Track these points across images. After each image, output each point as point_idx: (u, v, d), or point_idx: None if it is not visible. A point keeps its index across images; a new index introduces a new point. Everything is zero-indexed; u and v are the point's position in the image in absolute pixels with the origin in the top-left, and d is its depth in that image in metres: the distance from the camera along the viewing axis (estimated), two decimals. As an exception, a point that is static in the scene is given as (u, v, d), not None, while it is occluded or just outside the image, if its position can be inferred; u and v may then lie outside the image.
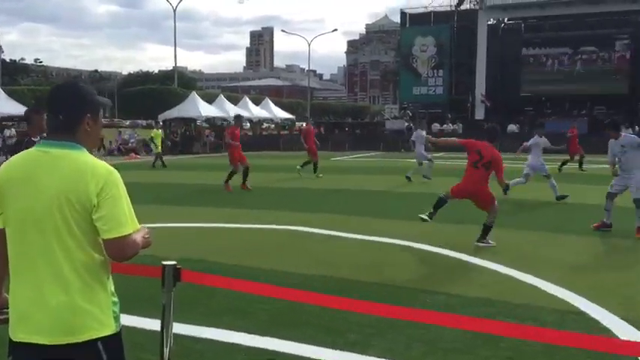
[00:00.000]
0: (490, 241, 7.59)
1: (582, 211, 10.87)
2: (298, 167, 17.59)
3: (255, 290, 3.41)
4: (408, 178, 16.07)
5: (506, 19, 42.35)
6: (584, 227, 9.17)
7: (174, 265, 2.74)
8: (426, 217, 7.96)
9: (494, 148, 7.71)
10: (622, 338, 4.41)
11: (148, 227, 2.30)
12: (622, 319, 4.84)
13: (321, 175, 17.26)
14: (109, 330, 2.15)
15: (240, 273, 6.24)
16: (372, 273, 6.33)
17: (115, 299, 2.23)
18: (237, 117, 16.02)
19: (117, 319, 2.21)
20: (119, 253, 2.12)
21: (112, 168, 2.14)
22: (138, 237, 2.17)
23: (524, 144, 13.72)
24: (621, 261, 7.08)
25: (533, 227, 9.23)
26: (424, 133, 16.64)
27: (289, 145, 33.70)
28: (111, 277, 2.24)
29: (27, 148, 2.36)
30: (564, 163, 19.43)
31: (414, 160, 17.09)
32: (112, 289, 2.24)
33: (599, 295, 5.53)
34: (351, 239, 8.16)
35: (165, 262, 2.74)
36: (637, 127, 32.05)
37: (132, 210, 2.16)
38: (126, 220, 2.11)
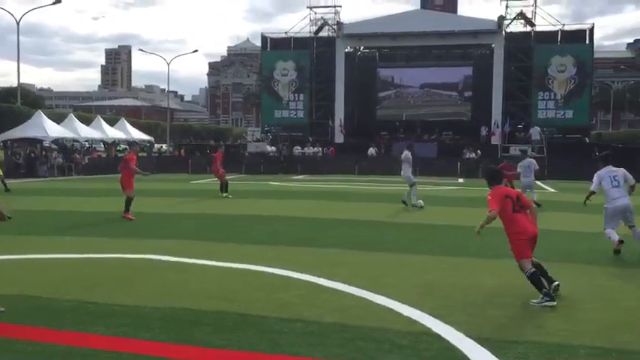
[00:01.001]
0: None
1: (431, 231, 11.36)
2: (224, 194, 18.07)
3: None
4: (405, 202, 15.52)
5: (362, 48, 44.25)
6: (434, 247, 9.56)
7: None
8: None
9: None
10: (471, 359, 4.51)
11: None
12: (470, 337, 4.97)
13: (230, 195, 17.92)
14: None
15: (72, 309, 5.67)
16: (226, 302, 6.01)
17: None
18: (134, 143, 15.55)
19: None
20: None
21: None
22: None
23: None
24: (468, 279, 7.35)
25: (384, 248, 9.41)
26: (410, 155, 15.96)
27: (147, 168, 32.26)
28: None
29: None
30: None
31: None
32: None
33: (450, 314, 5.66)
34: (210, 266, 7.79)
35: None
36: (479, 152, 34.77)
37: None
38: None
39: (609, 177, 9.45)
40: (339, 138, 39.63)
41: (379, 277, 7.24)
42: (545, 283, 6.28)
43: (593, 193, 9.53)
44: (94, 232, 10.94)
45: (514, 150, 34.41)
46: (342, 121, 39.74)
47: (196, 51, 60.08)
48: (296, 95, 41.60)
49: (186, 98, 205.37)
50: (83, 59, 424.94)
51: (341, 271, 7.58)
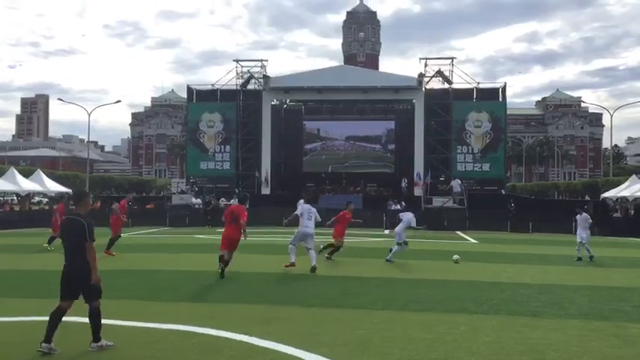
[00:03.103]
0: None
1: (361, 284, 11.38)
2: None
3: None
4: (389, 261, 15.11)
5: (288, 100, 44.96)
6: (364, 301, 9.56)
7: None
8: None
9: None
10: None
11: None
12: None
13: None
14: None
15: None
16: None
17: None
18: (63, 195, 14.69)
19: None
20: None
21: None
22: None
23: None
24: (402, 333, 7.36)
25: (315, 303, 9.32)
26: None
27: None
28: None
29: None
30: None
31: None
32: None
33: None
34: (138, 328, 7.41)
35: None
36: (403, 203, 35.59)
37: None
38: None
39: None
40: (266, 190, 39.59)
41: (313, 334, 7.13)
42: None
43: None
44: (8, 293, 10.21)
45: (436, 201, 35.68)
46: (269, 172, 39.84)
47: (119, 101, 58.89)
48: (222, 147, 41.43)
49: (107, 149, 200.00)
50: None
51: (274, 328, 7.42)
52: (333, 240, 16.10)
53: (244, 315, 8.31)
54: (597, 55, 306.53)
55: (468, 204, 34.06)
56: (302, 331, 7.30)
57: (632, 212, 32.69)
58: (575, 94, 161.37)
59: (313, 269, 12.81)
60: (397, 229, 15.85)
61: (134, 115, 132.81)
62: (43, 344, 6.10)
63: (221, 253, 12.13)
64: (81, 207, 6.58)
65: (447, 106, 39.70)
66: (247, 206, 13.26)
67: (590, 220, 17.68)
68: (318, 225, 13.92)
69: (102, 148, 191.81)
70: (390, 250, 15.62)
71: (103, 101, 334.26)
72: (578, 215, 17.54)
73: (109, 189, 65.52)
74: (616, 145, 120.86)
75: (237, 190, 38.28)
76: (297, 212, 13.93)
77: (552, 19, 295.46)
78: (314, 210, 13.92)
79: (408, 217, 15.86)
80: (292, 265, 12.92)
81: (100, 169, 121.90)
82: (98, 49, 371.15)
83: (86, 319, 6.40)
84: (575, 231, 17.93)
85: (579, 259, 16.61)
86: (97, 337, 6.34)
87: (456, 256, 15.07)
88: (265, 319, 8.03)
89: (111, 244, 16.49)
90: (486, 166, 39.54)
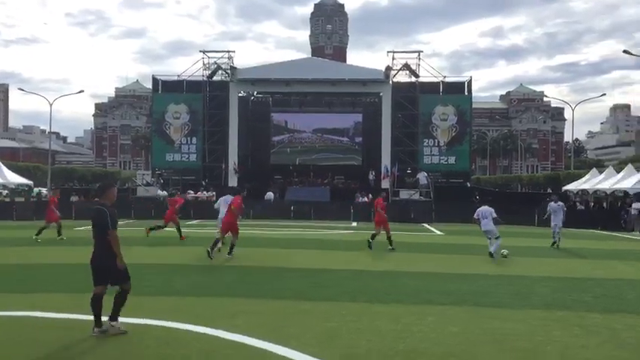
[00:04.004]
0: None
1: (329, 276, 11.39)
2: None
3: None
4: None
5: (255, 92, 44.66)
6: (333, 293, 9.57)
7: None
8: None
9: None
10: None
11: None
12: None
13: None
14: None
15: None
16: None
17: None
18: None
19: None
20: None
21: None
22: None
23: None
24: (370, 325, 7.39)
25: (282, 296, 9.29)
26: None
27: (25, 214, 30.15)
28: None
29: None
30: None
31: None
32: None
33: (352, 363, 5.65)
34: (84, 321, 7.25)
35: None
36: (370, 196, 35.77)
37: None
38: None
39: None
40: (233, 181, 39.33)
41: (280, 327, 7.10)
42: None
43: None
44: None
45: (403, 194, 35.95)
46: (236, 163, 39.56)
47: (82, 91, 57.74)
48: (188, 138, 40.96)
49: (69, 140, 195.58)
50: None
51: (241, 321, 7.37)
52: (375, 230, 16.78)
53: (210, 308, 8.23)
54: (560, 50, 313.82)
55: (434, 196, 34.44)
56: (270, 324, 7.26)
57: (592, 204, 33.51)
58: (538, 88, 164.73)
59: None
60: (488, 226, 15.31)
61: (97, 106, 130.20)
62: (95, 329, 6.60)
63: (218, 237, 14.22)
64: (105, 198, 6.97)
65: (414, 100, 40.00)
66: (243, 196, 16.15)
67: (565, 208, 19.09)
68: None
69: (64, 139, 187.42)
70: (491, 250, 15.09)
71: (65, 91, 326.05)
72: (552, 203, 18.56)
73: (72, 181, 64.17)
74: (577, 139, 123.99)
75: (203, 183, 37.96)
76: (216, 206, 17.05)
77: (517, 15, 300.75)
78: (230, 199, 15.63)
79: (489, 210, 15.52)
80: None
81: (63, 161, 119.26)
82: (60, 38, 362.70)
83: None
84: (549, 222, 18.77)
85: (554, 244, 18.04)
86: (115, 317, 6.76)
87: (505, 251, 14.93)
88: (232, 312, 7.96)
89: (180, 232, 18.48)
90: (452, 159, 40.02)
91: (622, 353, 6.19)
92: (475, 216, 15.67)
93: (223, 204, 15.83)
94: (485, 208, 15.60)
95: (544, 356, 6.03)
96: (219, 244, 14.23)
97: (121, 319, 7.07)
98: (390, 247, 16.32)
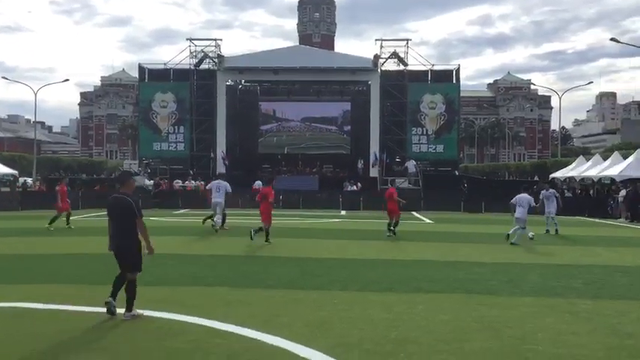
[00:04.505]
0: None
1: (319, 265, 11.37)
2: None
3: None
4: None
5: (243, 81, 44.37)
6: (324, 282, 9.55)
7: None
8: None
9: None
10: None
11: None
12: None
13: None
14: None
15: None
16: (109, 355, 5.55)
17: None
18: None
19: None
20: None
21: None
22: None
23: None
24: (362, 314, 7.38)
25: (273, 285, 9.26)
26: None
27: (10, 204, 29.79)
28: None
29: None
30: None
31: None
32: None
33: (347, 351, 5.63)
34: (93, 314, 7.18)
35: None
36: (359, 184, 35.81)
37: None
38: None
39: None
40: (221, 171, 39.16)
41: (273, 317, 7.07)
42: None
43: None
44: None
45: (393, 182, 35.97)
46: (224, 152, 39.37)
47: (67, 80, 57.04)
48: (176, 127, 40.68)
49: (55, 129, 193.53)
50: None
51: (234, 311, 7.33)
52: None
53: (203, 298, 8.17)
54: (547, 39, 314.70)
55: (422, 184, 34.51)
56: (262, 314, 7.22)
57: (579, 192, 33.74)
58: (525, 76, 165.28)
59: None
60: (521, 214, 15.56)
61: (83, 95, 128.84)
62: (109, 297, 6.89)
63: (262, 226, 14.87)
64: (126, 187, 7.23)
65: (402, 88, 39.97)
66: (274, 185, 17.01)
67: (557, 194, 19.68)
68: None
69: (49, 128, 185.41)
70: (510, 232, 15.67)
71: (50, 80, 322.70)
72: (544, 191, 19.24)
73: (58, 171, 63.59)
74: (564, 127, 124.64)
75: (191, 172, 37.76)
76: (207, 186, 19.40)
77: (504, 3, 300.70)
78: (223, 184, 18.05)
79: (527, 199, 15.72)
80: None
81: (48, 151, 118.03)
82: (45, 27, 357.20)
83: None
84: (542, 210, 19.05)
85: (548, 231, 18.61)
86: (130, 307, 6.90)
87: (531, 233, 15.83)
88: (225, 301, 7.92)
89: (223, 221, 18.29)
90: (440, 148, 40.11)
91: (614, 340, 6.22)
92: (513, 201, 15.89)
93: (215, 189, 17.84)
94: (523, 196, 16.00)
95: (536, 343, 6.05)
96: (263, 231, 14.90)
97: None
98: (388, 233, 16.95)
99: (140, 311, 7.00)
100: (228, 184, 18.23)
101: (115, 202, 7.10)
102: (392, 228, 17.07)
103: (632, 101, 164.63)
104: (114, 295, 6.94)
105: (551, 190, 19.45)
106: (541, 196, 19.19)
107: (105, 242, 7.38)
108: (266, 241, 14.60)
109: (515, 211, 15.72)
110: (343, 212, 28.84)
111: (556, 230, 18.61)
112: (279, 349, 5.78)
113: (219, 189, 17.72)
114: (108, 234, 7.27)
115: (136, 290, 7.01)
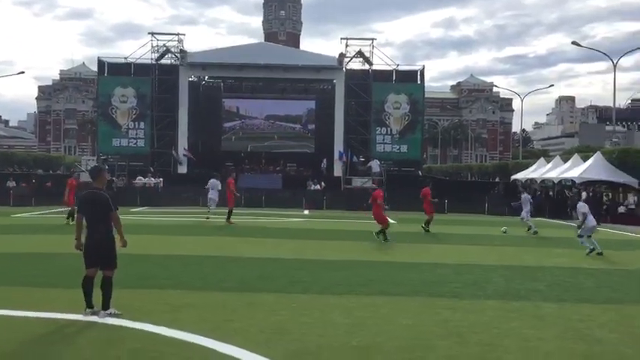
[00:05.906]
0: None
1: (278, 266, 10.97)
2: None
3: None
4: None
5: (206, 77, 43.52)
6: (281, 284, 9.14)
7: None
8: None
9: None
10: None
11: None
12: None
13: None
14: None
15: None
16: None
17: None
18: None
19: None
20: None
21: None
22: None
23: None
24: (321, 318, 7.00)
25: (227, 287, 8.80)
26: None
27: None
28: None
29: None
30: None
31: None
32: None
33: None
34: (30, 319, 6.63)
35: None
36: (323, 183, 35.49)
37: None
38: None
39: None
40: (183, 168, 38.34)
41: (225, 322, 6.63)
42: None
43: None
44: None
45: (356, 182, 35.78)
46: (187, 149, 38.53)
47: (23, 72, 55.19)
48: (136, 123, 39.58)
49: (11, 123, 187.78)
50: None
51: (184, 315, 6.87)
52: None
53: (151, 302, 7.66)
54: (509, 42, 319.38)
55: (386, 184, 34.36)
56: (214, 319, 6.78)
57: (539, 193, 34.12)
58: (488, 79, 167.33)
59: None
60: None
61: (41, 89, 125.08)
62: (87, 309, 6.66)
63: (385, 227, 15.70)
64: (98, 182, 6.99)
65: (367, 87, 39.77)
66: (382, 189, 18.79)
67: (532, 200, 21.36)
68: None
69: (6, 122, 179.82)
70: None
71: (7, 73, 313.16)
72: (524, 195, 20.45)
73: (12, 166, 61.48)
74: (524, 130, 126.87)
75: (152, 169, 36.81)
76: (207, 186, 22.26)
77: (469, 6, 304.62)
78: (216, 183, 21.87)
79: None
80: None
81: (4, 145, 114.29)
82: (2, 18, 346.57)
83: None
84: (512, 211, 21.76)
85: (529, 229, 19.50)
86: (106, 306, 6.69)
87: (504, 228, 18.32)
88: (174, 305, 7.42)
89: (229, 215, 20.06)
90: (404, 148, 40.05)
91: (582, 346, 5.99)
92: (585, 211, 14.20)
93: (212, 187, 21.74)
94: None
95: (503, 350, 5.77)
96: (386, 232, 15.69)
97: (52, 315, 6.53)
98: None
99: (117, 311, 6.74)
100: (219, 183, 21.89)
101: (91, 197, 6.84)
102: (423, 226, 18.91)
103: (590, 105, 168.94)
104: (90, 303, 6.71)
105: (527, 195, 20.74)
106: (522, 200, 20.23)
107: (67, 241, 6.91)
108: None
109: (587, 221, 14.08)
110: (306, 212, 28.47)
111: (534, 231, 19.37)
112: (230, 358, 5.36)
113: (213, 187, 21.75)
114: (76, 231, 6.90)
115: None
